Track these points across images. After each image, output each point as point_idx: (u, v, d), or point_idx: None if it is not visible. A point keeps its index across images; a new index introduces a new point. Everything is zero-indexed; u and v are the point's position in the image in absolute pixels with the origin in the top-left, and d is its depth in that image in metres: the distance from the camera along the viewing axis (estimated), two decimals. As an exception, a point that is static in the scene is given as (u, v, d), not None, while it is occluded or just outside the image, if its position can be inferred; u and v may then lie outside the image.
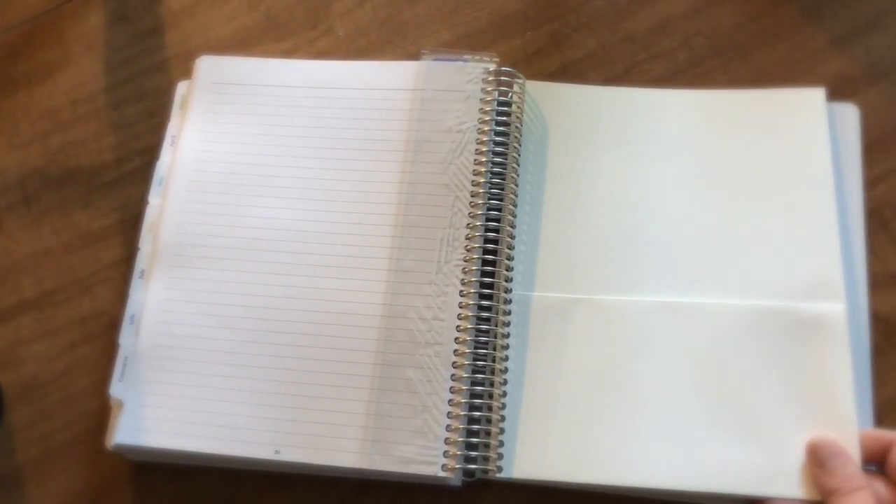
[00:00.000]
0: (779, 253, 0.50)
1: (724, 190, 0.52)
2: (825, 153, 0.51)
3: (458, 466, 0.47)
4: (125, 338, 0.52)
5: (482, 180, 0.53)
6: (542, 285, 0.52)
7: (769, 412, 0.47)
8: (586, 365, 0.49)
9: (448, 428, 0.48)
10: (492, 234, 0.52)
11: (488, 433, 0.48)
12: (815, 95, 0.53)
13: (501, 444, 0.48)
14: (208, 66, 0.58)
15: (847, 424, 0.46)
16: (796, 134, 0.52)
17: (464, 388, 0.49)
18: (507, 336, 0.50)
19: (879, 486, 0.44)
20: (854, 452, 0.45)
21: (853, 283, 0.50)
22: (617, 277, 0.51)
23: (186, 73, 0.59)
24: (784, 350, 0.48)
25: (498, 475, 0.47)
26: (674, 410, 0.47)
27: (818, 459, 0.45)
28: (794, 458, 0.46)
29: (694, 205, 0.52)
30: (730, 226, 0.51)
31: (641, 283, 0.50)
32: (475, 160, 0.53)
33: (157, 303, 0.52)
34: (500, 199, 0.52)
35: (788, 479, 0.45)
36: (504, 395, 0.49)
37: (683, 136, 0.54)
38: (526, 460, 0.48)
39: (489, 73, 0.55)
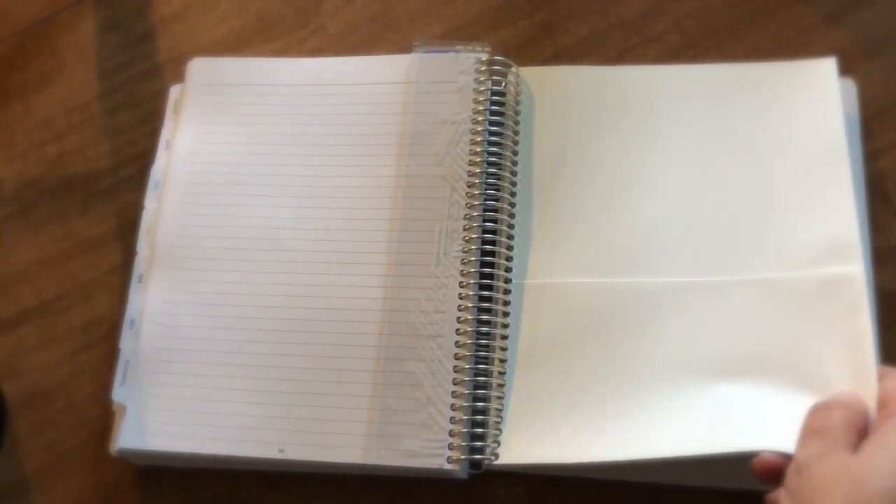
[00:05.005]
0: (791, 224, 0.48)
1: (730, 164, 0.51)
2: (838, 123, 0.49)
3: (462, 458, 0.47)
4: (126, 342, 0.52)
5: (478, 171, 0.52)
6: (535, 272, 0.51)
7: (781, 381, 0.45)
8: (587, 348, 0.48)
9: (452, 420, 0.48)
10: (490, 225, 0.51)
11: (489, 423, 0.47)
12: (825, 65, 0.51)
13: (500, 433, 0.48)
14: (200, 69, 0.58)
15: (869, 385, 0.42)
16: (807, 104, 0.51)
17: (466, 379, 0.48)
18: (507, 326, 0.50)
19: None
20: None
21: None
22: (617, 259, 0.50)
23: (179, 77, 0.59)
24: (799, 318, 0.46)
25: (494, 462, 0.47)
26: (682, 391, 0.46)
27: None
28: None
29: (699, 181, 0.51)
30: (738, 201, 0.50)
31: (642, 265, 0.49)
32: (470, 150, 0.53)
33: (156, 306, 0.52)
34: (498, 189, 0.52)
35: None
36: (503, 385, 0.49)
37: (685, 112, 0.52)
38: (519, 446, 0.47)
39: (482, 62, 0.55)
